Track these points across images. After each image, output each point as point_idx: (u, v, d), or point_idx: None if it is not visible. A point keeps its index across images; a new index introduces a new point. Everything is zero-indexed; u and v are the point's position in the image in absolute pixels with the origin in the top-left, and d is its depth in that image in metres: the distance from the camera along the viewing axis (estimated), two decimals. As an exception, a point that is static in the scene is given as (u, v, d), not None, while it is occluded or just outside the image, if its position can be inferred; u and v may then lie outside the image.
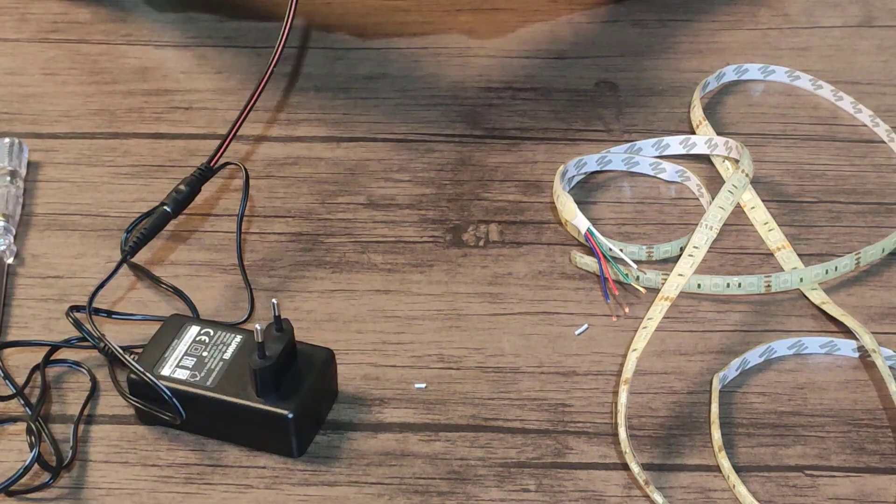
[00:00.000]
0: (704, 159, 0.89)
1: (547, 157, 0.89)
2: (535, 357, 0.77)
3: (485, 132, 0.91)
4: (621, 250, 0.81)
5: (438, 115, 0.92)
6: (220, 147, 0.82)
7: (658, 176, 0.88)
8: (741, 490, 0.70)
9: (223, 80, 0.95)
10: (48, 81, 0.95)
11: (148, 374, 0.71)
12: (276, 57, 0.83)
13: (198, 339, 0.74)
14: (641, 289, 0.80)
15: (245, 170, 0.82)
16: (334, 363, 0.74)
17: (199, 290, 0.81)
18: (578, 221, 0.80)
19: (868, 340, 0.75)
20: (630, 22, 1.00)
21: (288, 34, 0.83)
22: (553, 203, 0.84)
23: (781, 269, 0.82)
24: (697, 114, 0.90)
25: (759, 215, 0.85)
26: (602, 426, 0.74)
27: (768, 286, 0.80)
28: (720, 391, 0.75)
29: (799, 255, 0.82)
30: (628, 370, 0.74)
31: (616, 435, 0.73)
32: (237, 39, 1.00)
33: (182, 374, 0.72)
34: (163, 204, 0.80)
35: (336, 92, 0.89)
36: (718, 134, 0.89)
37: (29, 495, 0.70)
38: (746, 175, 0.79)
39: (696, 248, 0.76)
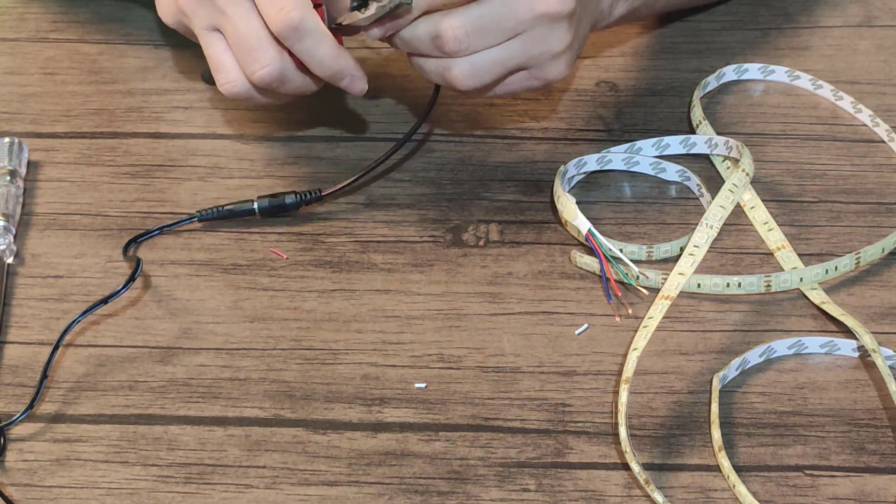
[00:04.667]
0: (704, 159, 0.89)
1: (547, 157, 0.89)
2: (535, 357, 0.77)
3: (485, 132, 0.91)
4: (621, 251, 0.80)
5: (438, 115, 0.92)
6: (344, 184, 0.84)
7: (658, 176, 0.88)
8: (741, 490, 0.70)
9: (223, 80, 0.94)
10: (48, 81, 0.95)
11: None
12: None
13: None
14: (643, 290, 0.80)
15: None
16: None
17: (198, 289, 0.81)
18: (579, 222, 0.80)
19: (868, 340, 0.75)
20: (630, 22, 1.00)
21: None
22: (553, 203, 0.84)
23: (781, 269, 0.82)
24: (697, 113, 0.90)
25: (759, 215, 0.85)
26: (602, 426, 0.74)
27: (768, 286, 0.80)
28: (720, 391, 0.75)
29: (799, 254, 0.82)
30: (629, 370, 0.74)
31: (616, 435, 0.73)
32: (237, 39, 0.99)
33: None
34: (257, 199, 0.84)
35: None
36: (718, 134, 0.89)
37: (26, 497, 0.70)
38: (747, 174, 0.79)
39: (697, 246, 0.76)
